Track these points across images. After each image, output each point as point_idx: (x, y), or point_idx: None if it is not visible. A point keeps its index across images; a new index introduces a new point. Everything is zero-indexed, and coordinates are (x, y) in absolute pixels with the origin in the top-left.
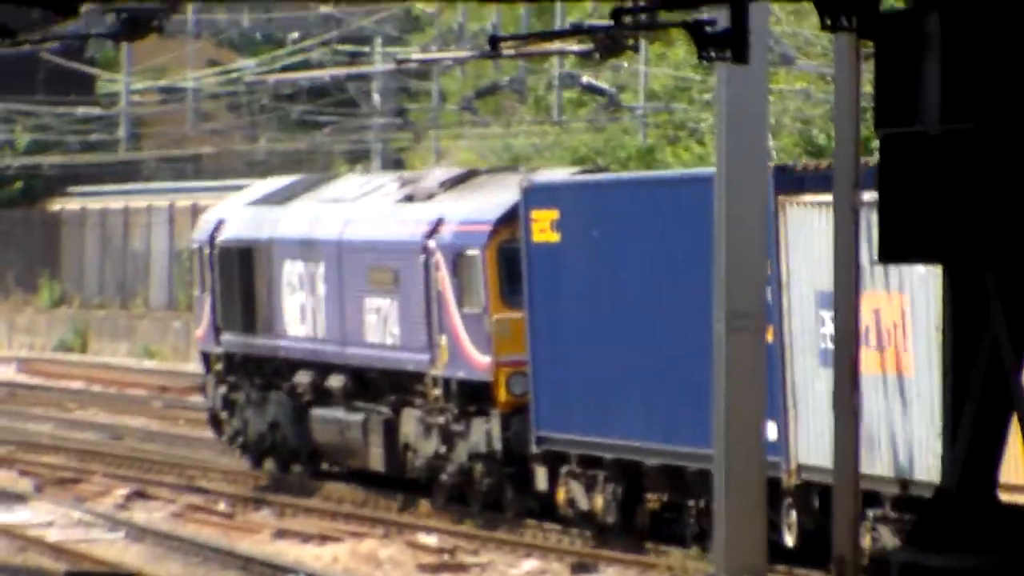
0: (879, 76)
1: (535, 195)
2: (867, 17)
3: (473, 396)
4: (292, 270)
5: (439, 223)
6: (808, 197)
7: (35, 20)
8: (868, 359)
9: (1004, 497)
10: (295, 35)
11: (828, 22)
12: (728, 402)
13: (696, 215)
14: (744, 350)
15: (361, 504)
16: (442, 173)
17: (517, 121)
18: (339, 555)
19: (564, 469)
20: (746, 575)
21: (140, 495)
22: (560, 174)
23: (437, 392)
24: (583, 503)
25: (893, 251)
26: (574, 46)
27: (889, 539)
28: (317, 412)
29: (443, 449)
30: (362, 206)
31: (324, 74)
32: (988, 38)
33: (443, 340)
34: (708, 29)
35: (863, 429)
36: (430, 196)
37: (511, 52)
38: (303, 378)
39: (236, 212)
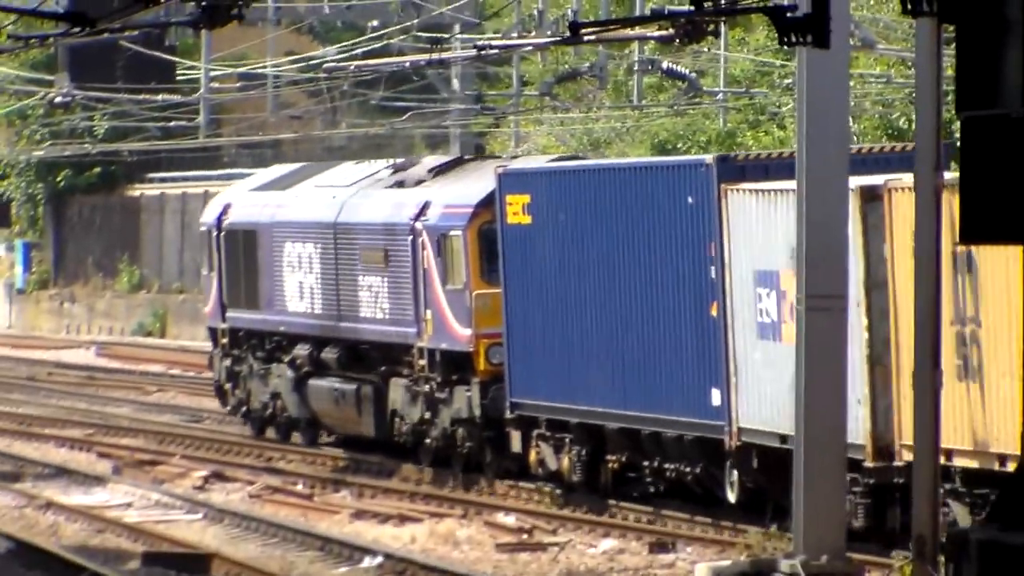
0: (960, 59)
1: (509, 181)
2: (948, 1)
3: (455, 366)
4: (292, 251)
5: (426, 207)
6: (747, 184)
7: (115, 8)
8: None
9: None
10: (375, 22)
11: (909, 6)
12: (808, 383)
13: (655, 200)
14: (824, 331)
15: (440, 485)
16: (431, 160)
17: (597, 106)
18: (417, 535)
19: (535, 432)
20: (825, 555)
21: (218, 476)
22: (534, 161)
23: (423, 362)
24: (552, 463)
25: (974, 232)
26: (654, 31)
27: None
28: (314, 383)
29: (428, 415)
30: (357, 191)
31: (404, 60)
32: None
33: (428, 314)
34: (789, 14)
35: (791, 392)
36: (419, 182)
37: (591, 38)
38: (302, 351)
39: (241, 197)
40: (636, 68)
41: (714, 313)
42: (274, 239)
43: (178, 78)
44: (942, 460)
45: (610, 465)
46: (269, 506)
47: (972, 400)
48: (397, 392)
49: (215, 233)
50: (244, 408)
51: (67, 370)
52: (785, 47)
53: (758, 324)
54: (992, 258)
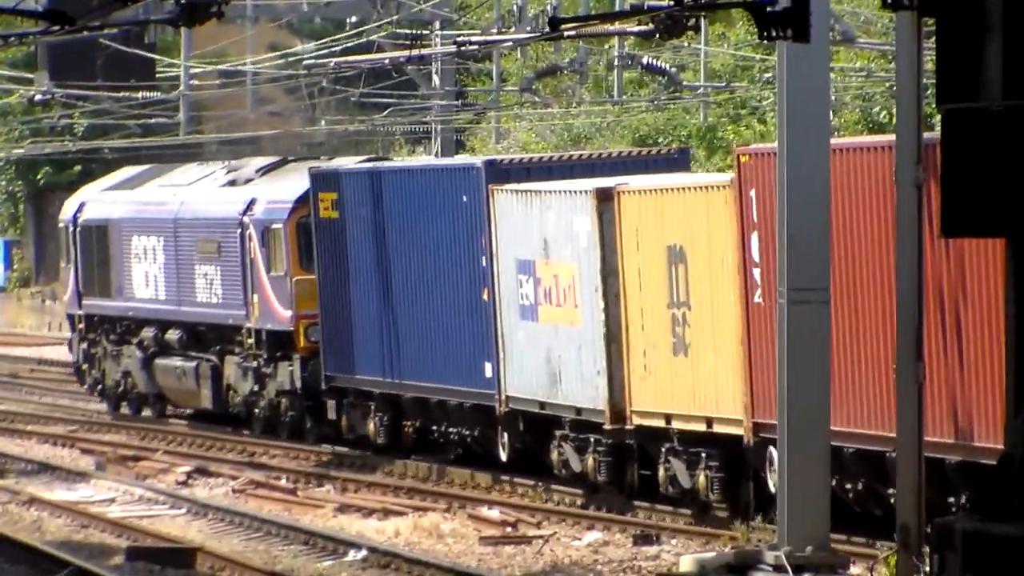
0: (940, 53)
1: (320, 180)
2: None
3: (279, 344)
4: (139, 244)
5: (252, 203)
6: (510, 185)
7: (95, 7)
8: (553, 313)
9: None
10: (354, 19)
11: (889, 1)
12: (791, 376)
13: (437, 198)
14: (807, 324)
15: (423, 479)
16: (259, 161)
17: (577, 102)
18: (401, 529)
19: (346, 401)
20: (809, 546)
21: (202, 472)
22: (345, 163)
23: (251, 341)
24: (360, 428)
25: (956, 225)
26: (634, 27)
27: None
28: (160, 362)
29: (256, 388)
30: (194, 190)
31: (383, 57)
32: None
33: (255, 299)
34: (769, 8)
35: (547, 365)
36: (247, 181)
37: (571, 33)
38: (148, 333)
39: (95, 196)
40: (616, 63)
41: (485, 297)
42: (123, 233)
43: (158, 75)
44: (661, 423)
45: (407, 429)
46: (253, 501)
47: (685, 372)
48: (230, 368)
49: (72, 229)
50: (100, 386)
51: (49, 367)
52: (765, 41)
53: (520, 306)
54: (698, 251)
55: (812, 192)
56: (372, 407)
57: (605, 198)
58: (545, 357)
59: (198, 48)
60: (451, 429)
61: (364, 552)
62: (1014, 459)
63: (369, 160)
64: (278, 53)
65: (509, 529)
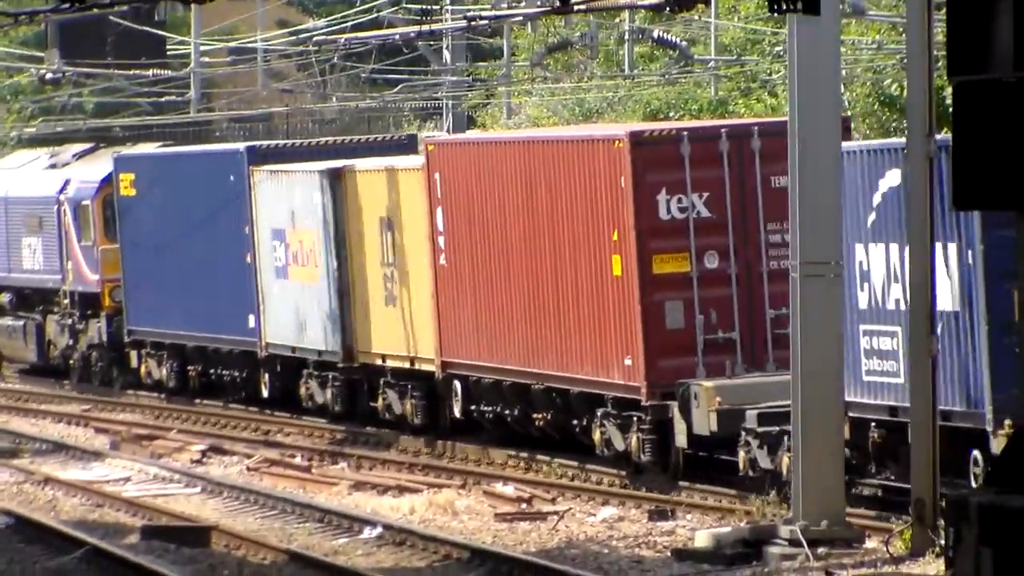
0: (951, 24)
1: (120, 163)
2: None
3: (89, 304)
4: None
5: (67, 183)
6: (267, 167)
7: None
8: (300, 272)
9: None
10: None
11: None
12: (804, 349)
13: (210, 178)
14: (820, 297)
15: (438, 456)
16: (76, 148)
17: (588, 76)
18: (416, 506)
19: (144, 352)
20: (825, 521)
21: (216, 450)
22: (144, 149)
23: (66, 302)
24: (156, 374)
25: (967, 198)
26: (645, 0)
27: None
28: None
29: (71, 342)
30: (21, 172)
31: (394, 33)
32: None
33: (70, 265)
34: None
35: (296, 316)
36: (64, 164)
37: (582, 7)
38: None
39: None
40: (627, 37)
41: (249, 260)
42: None
43: (168, 53)
44: (380, 362)
45: (191, 374)
46: (267, 479)
47: (394, 320)
48: (51, 326)
49: None
50: None
51: None
52: (776, 15)
53: (275, 267)
54: (401, 222)
55: (823, 165)
56: (164, 356)
57: (336, 177)
58: (294, 309)
59: (208, 25)
60: (224, 372)
61: (379, 529)
62: None
63: (164, 146)
64: (288, 30)
65: (524, 505)
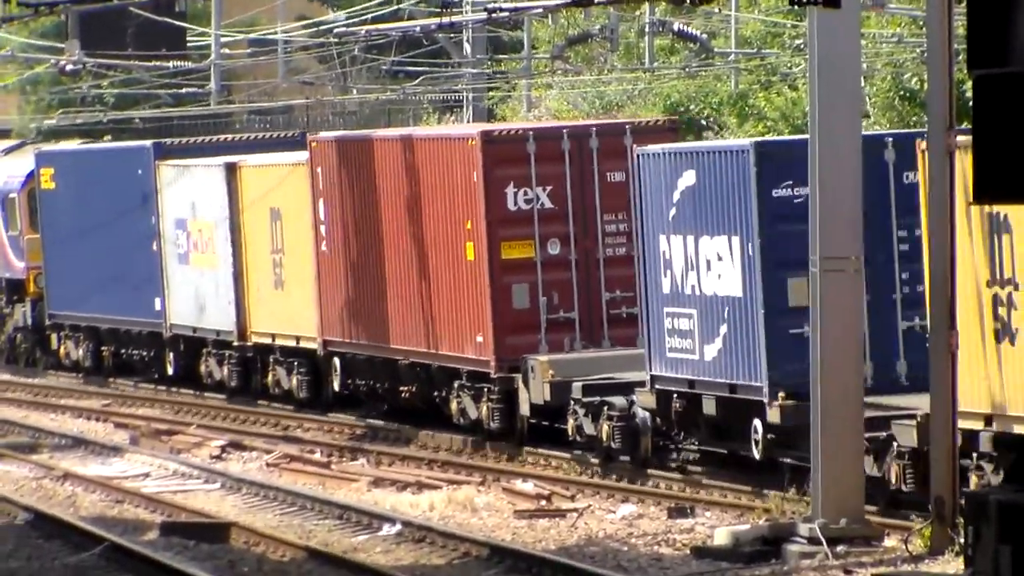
0: (971, 17)
1: (42, 159)
2: None
3: (16, 289)
4: None
5: None
6: (171, 161)
7: None
8: (200, 259)
9: None
10: None
11: None
12: (823, 344)
13: (120, 172)
14: (840, 292)
15: (458, 452)
16: (4, 144)
17: (608, 69)
18: (435, 503)
19: (63, 334)
20: (844, 518)
21: (235, 446)
22: (66, 146)
23: None
24: (74, 355)
25: (988, 191)
26: None
27: None
28: None
29: None
30: None
31: (414, 25)
32: None
33: None
34: None
35: (196, 299)
36: None
37: (602, 0)
38: None
39: None
40: (647, 30)
41: (155, 248)
42: None
43: (188, 44)
44: (269, 341)
45: (105, 354)
46: (287, 475)
47: (282, 302)
48: None
49: None
50: None
51: None
52: (796, 8)
53: (178, 254)
54: (288, 212)
55: (843, 159)
56: (81, 337)
57: (231, 171)
58: (195, 293)
59: (228, 17)
60: (134, 352)
61: (398, 526)
62: None
63: (84, 143)
64: (309, 21)
65: (543, 502)
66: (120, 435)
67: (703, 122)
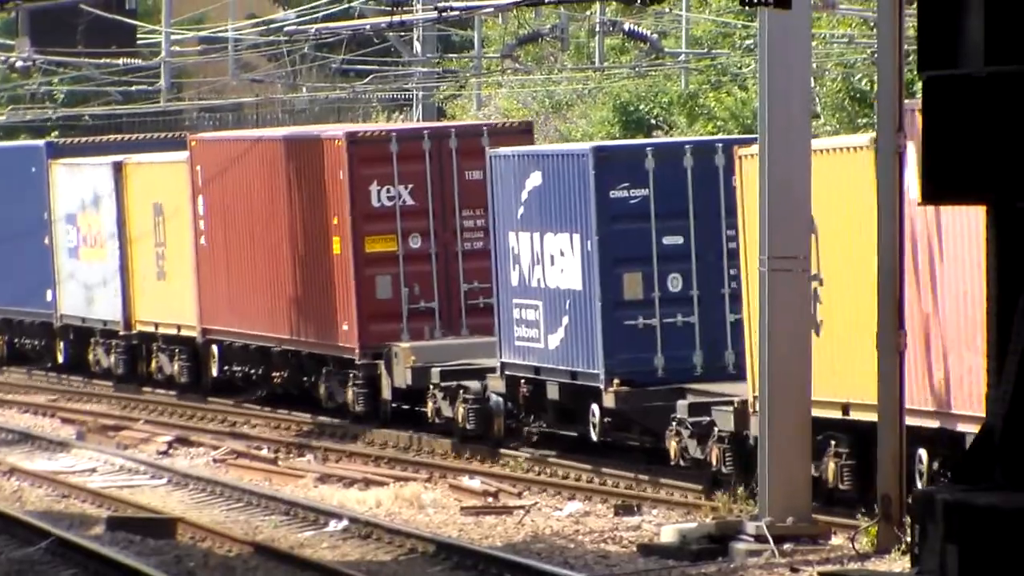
0: (922, 19)
1: None
2: None
3: None
4: None
5: None
6: (64, 160)
7: None
8: (90, 253)
9: None
10: None
11: None
12: (772, 344)
13: (14, 169)
14: (788, 292)
15: (404, 449)
16: None
17: (558, 68)
18: (382, 499)
19: None
20: (791, 517)
21: (182, 442)
22: None
23: None
24: None
25: (936, 192)
26: None
27: None
28: None
29: None
30: None
31: (365, 23)
32: None
33: None
34: None
35: (86, 291)
36: None
37: None
38: None
39: None
40: (598, 29)
41: (47, 242)
42: None
43: (139, 42)
44: (152, 329)
45: (18, 345)
46: (233, 471)
47: (165, 292)
48: None
49: None
50: None
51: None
52: (747, 8)
53: (69, 248)
54: (169, 206)
55: (792, 160)
56: None
57: (117, 169)
58: (85, 285)
59: (178, 14)
60: (27, 341)
61: (345, 522)
62: (995, 429)
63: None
64: (259, 19)
65: (490, 499)
66: (67, 430)
67: (653, 121)
